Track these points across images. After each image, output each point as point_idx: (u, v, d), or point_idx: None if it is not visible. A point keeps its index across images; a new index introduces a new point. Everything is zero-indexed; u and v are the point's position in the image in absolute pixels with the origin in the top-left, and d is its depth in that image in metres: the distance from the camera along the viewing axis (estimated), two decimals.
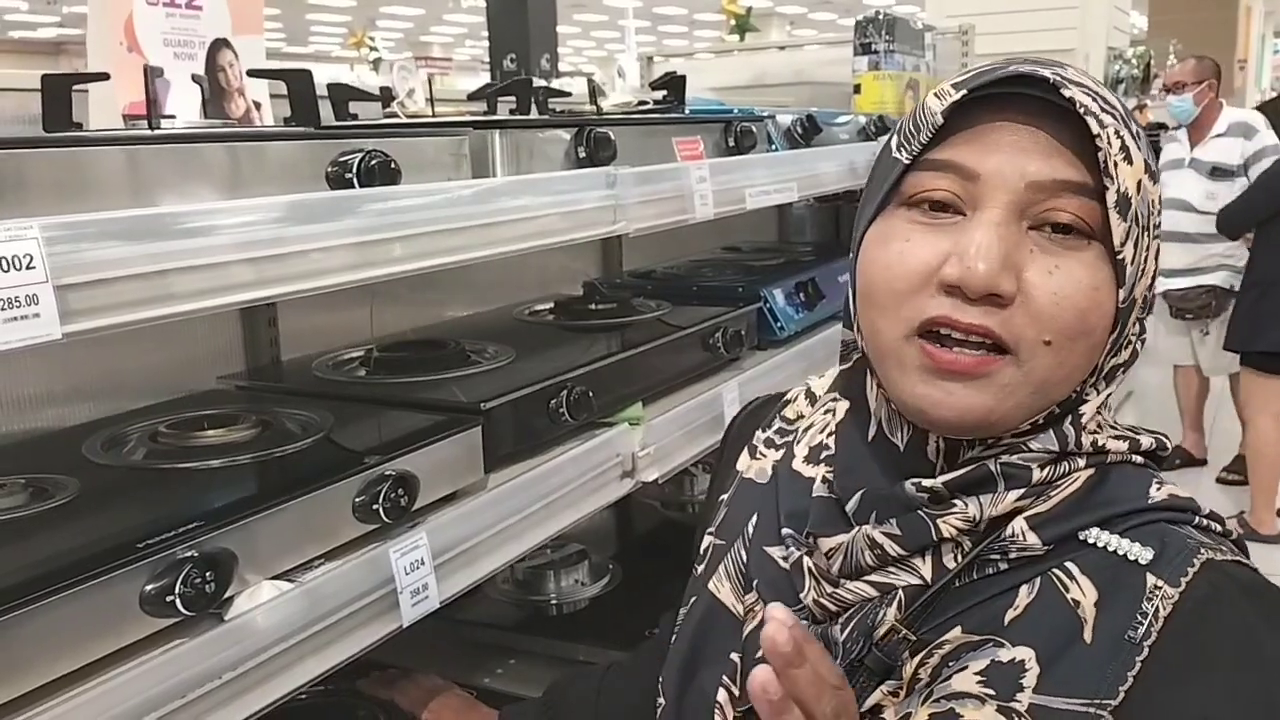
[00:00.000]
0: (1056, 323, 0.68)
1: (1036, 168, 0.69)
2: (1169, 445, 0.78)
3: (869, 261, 0.74)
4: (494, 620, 1.68)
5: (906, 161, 0.73)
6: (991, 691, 0.67)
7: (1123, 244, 0.69)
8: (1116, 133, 0.69)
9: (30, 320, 0.70)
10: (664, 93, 1.83)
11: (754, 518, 0.85)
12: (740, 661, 0.78)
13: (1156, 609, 0.66)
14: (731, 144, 1.74)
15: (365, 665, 1.24)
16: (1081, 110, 0.68)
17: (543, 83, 1.65)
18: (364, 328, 1.67)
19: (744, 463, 0.92)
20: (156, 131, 0.99)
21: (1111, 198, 0.68)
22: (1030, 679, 0.67)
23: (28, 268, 0.70)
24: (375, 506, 1.07)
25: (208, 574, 0.90)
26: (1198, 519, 0.72)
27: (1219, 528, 0.73)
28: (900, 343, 0.72)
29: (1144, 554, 0.69)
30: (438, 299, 1.88)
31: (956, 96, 0.71)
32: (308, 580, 0.97)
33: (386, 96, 1.48)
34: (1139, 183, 0.70)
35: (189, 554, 0.90)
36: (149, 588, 0.87)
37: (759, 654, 0.74)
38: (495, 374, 1.44)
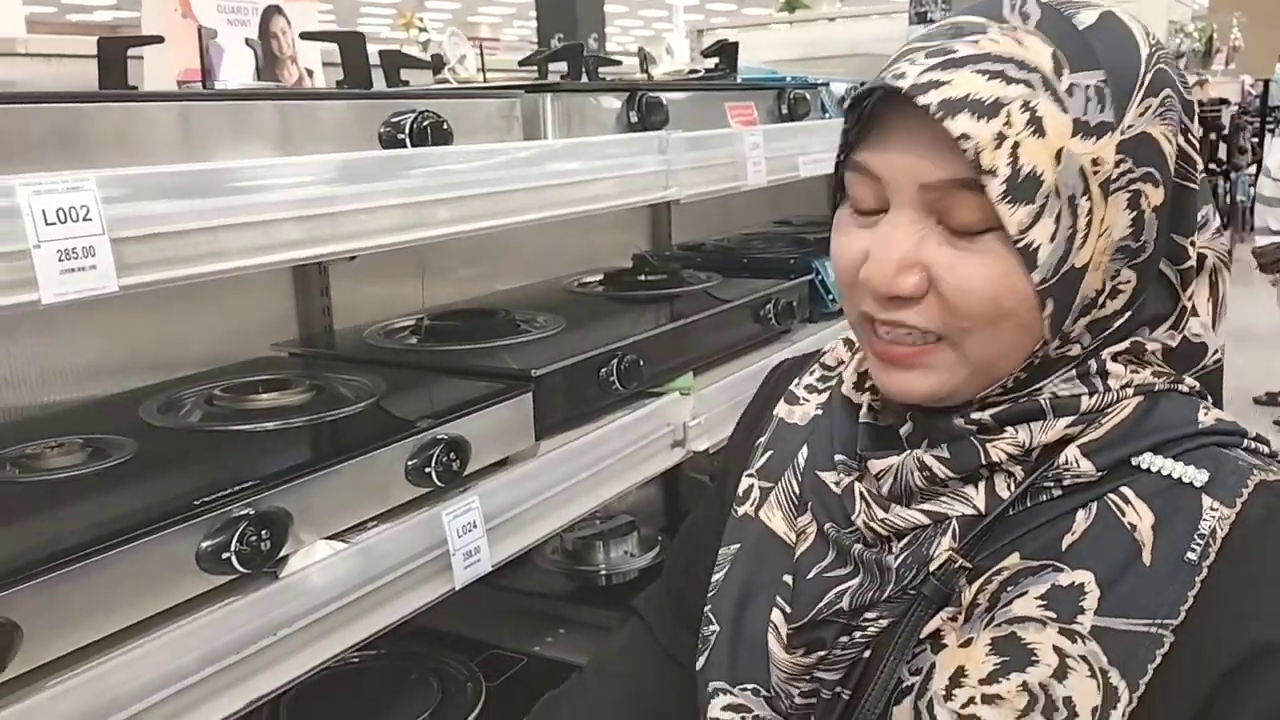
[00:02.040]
0: (966, 311, 0.69)
1: (926, 168, 0.68)
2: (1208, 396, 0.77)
3: (831, 248, 0.77)
4: (544, 589, 1.68)
5: (840, 159, 0.75)
6: (1053, 614, 0.68)
7: (1025, 229, 0.67)
8: (1025, 105, 0.66)
9: (87, 272, 0.70)
10: (716, 60, 1.80)
11: (804, 449, 0.86)
12: (793, 582, 0.80)
13: (1214, 530, 0.67)
14: (784, 112, 1.71)
15: None
16: (938, 116, 0.66)
17: (595, 48, 1.63)
18: (415, 299, 1.67)
19: (783, 409, 0.92)
20: (211, 90, 0.99)
21: (996, 190, 0.66)
22: (1091, 601, 0.68)
23: (85, 219, 0.70)
24: (428, 470, 1.07)
25: (263, 532, 0.91)
26: (1246, 441, 0.73)
27: (1266, 449, 0.74)
28: (860, 325, 0.75)
29: (1199, 476, 0.69)
30: (487, 272, 1.88)
31: (850, 99, 0.73)
32: (361, 540, 0.97)
33: (437, 64, 1.48)
34: (1059, 152, 0.67)
35: (244, 512, 0.90)
36: (205, 545, 0.88)
37: (810, 574, 0.79)
38: (545, 342, 1.43)
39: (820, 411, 0.89)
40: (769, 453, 0.90)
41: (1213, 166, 7.55)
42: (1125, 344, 0.74)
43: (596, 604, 1.64)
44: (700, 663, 0.85)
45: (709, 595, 0.87)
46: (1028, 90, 0.67)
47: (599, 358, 1.35)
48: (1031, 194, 0.67)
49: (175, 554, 0.87)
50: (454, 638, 1.49)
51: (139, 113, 0.87)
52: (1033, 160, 0.66)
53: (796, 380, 0.94)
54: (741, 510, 0.89)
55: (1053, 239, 0.68)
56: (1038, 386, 0.73)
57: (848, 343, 0.92)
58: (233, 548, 0.89)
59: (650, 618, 1.05)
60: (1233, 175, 7.87)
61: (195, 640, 0.83)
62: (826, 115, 1.85)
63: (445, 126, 1.04)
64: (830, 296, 1.94)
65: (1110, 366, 0.73)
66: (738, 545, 0.87)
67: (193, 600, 0.87)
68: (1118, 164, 0.69)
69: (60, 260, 0.69)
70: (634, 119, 1.33)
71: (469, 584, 1.05)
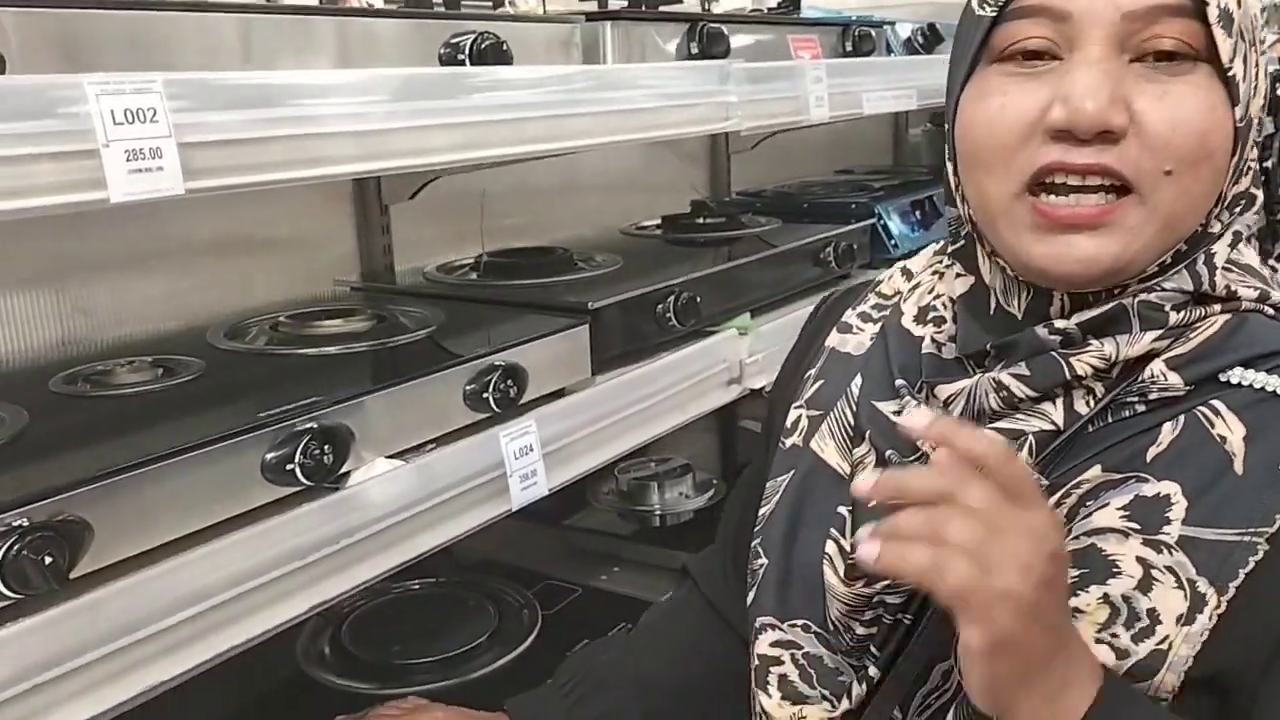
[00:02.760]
0: (1176, 149, 0.66)
1: None
2: None
3: (968, 123, 0.72)
4: (600, 528, 1.69)
5: (993, 14, 0.70)
6: (1136, 525, 0.66)
7: (1231, 59, 0.66)
8: None
9: (155, 174, 0.72)
10: None
11: (858, 379, 0.84)
12: (850, 515, 0.78)
13: None
14: (848, 49, 1.68)
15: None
16: None
17: None
18: (473, 243, 1.68)
19: (835, 339, 0.90)
20: (273, 3, 1.00)
21: (1214, 13, 0.65)
22: (1178, 511, 0.66)
23: (151, 121, 0.71)
24: (485, 395, 1.08)
25: (325, 447, 0.92)
26: None
27: None
28: (1011, 201, 0.70)
29: None
30: (545, 218, 1.88)
31: None
32: (421, 459, 0.98)
33: None
34: None
35: (308, 426, 0.92)
36: (270, 456, 0.90)
37: (870, 504, 0.72)
38: (603, 279, 1.43)
39: (873, 342, 0.86)
40: (820, 383, 0.88)
41: None
42: (1230, 234, 0.72)
43: (651, 543, 1.65)
44: (750, 597, 0.84)
45: (755, 530, 0.86)
46: None
47: (656, 294, 1.35)
48: (1229, 26, 0.66)
49: (241, 464, 0.88)
50: (511, 569, 1.51)
51: (206, 22, 0.88)
52: None
53: (850, 309, 0.91)
54: (790, 442, 0.87)
55: (1244, 78, 0.67)
56: (1126, 290, 0.70)
57: (905, 272, 0.89)
58: (297, 460, 0.90)
59: (701, 578, 1.05)
60: None
61: (261, 545, 0.85)
62: (891, 54, 1.82)
63: (505, 48, 1.04)
64: (893, 242, 1.91)
65: (1219, 260, 0.71)
66: (785, 477, 0.85)
67: (258, 510, 0.89)
68: (1262, 28, 0.70)
69: (128, 160, 0.70)
70: (695, 50, 1.32)
71: (526, 507, 1.06)
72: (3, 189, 0.66)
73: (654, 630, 1.08)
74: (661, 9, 1.61)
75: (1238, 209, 0.73)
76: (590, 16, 1.22)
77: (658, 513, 1.71)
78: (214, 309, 1.36)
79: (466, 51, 1.01)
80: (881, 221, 1.90)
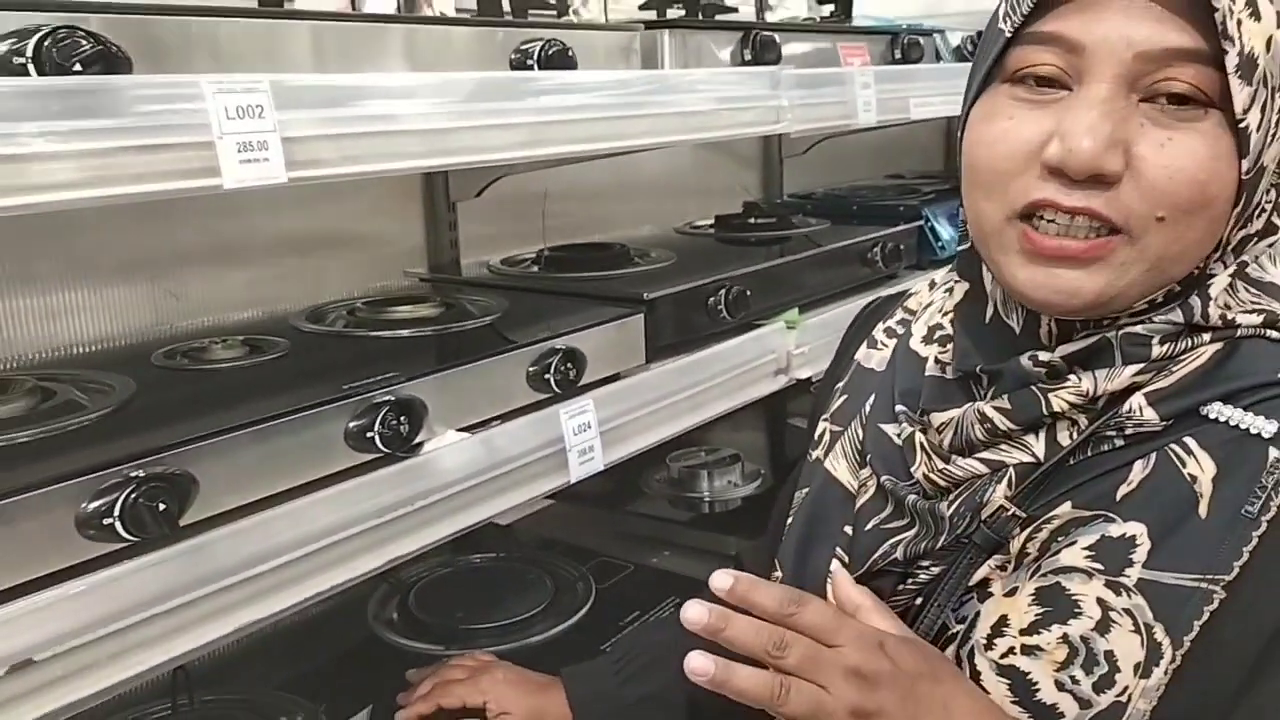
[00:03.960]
0: (1171, 197, 0.64)
1: (1145, 35, 0.64)
2: None
3: (973, 141, 0.71)
4: (652, 513, 1.77)
5: (1009, 34, 0.68)
6: (1100, 566, 0.66)
7: (1246, 110, 0.63)
8: None
9: (261, 164, 0.80)
10: (831, 7, 1.83)
11: (871, 398, 0.85)
12: (851, 533, 0.80)
13: (1277, 482, 0.64)
14: (898, 56, 1.73)
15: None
16: None
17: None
18: (533, 239, 1.77)
19: (862, 353, 0.91)
20: (360, 12, 1.09)
21: (1232, 61, 0.63)
22: (1140, 554, 0.66)
23: (259, 117, 0.80)
24: (546, 376, 1.16)
25: (402, 418, 1.00)
26: None
27: None
28: (1003, 224, 0.69)
29: (1267, 427, 0.65)
30: (603, 217, 1.96)
31: None
32: (487, 432, 1.06)
33: (562, 6, 1.55)
34: (1269, 39, 0.64)
35: (387, 398, 1.00)
36: (352, 424, 0.98)
37: (868, 526, 0.78)
38: (658, 272, 1.51)
39: (891, 359, 0.86)
40: (844, 397, 0.90)
41: None
42: (1234, 265, 0.70)
43: (700, 528, 1.72)
44: None
45: (781, 539, 0.88)
46: None
47: (708, 287, 1.42)
48: (1250, 75, 0.63)
49: (326, 432, 0.97)
50: (568, 548, 1.59)
51: (301, 29, 0.97)
52: (1252, 41, 0.63)
53: (880, 323, 0.92)
54: (814, 455, 0.89)
55: (1259, 128, 0.64)
56: (1116, 322, 0.69)
57: (931, 284, 0.90)
58: (376, 429, 0.99)
59: (753, 568, 1.10)
60: None
61: (342, 504, 0.93)
62: (940, 61, 1.87)
63: (570, 54, 1.12)
64: (940, 244, 1.96)
65: (1215, 294, 0.69)
66: (806, 490, 0.87)
67: (340, 473, 0.97)
68: None
69: (239, 151, 0.79)
70: (748, 57, 1.39)
71: (582, 493, 1.12)
72: (132, 175, 0.75)
73: None
74: (717, 18, 1.68)
75: (1248, 247, 0.71)
76: (649, 25, 1.30)
77: (707, 500, 1.77)
78: (292, 297, 1.46)
79: (535, 57, 1.09)
80: (929, 224, 1.94)
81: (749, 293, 1.45)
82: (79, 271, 1.26)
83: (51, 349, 1.24)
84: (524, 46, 1.11)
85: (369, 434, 0.98)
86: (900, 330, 0.88)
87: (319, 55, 1.03)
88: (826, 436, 0.88)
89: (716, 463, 1.82)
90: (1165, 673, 0.64)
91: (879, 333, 0.91)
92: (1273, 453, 0.65)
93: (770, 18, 1.79)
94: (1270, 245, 0.72)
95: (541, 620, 1.35)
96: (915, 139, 2.70)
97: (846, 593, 0.71)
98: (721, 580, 0.68)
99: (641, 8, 1.59)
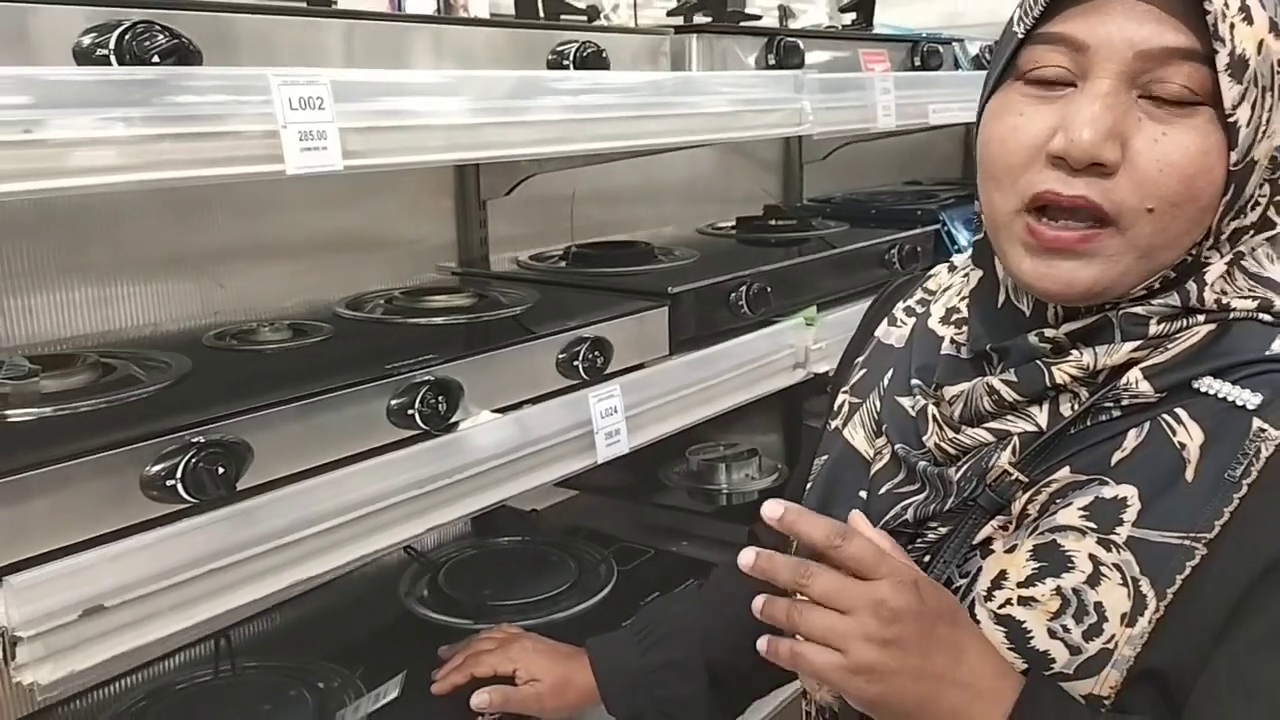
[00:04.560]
0: (1160, 189, 0.69)
1: (1145, 36, 0.69)
2: None
3: (986, 136, 0.76)
4: (672, 503, 1.82)
5: (1021, 35, 0.74)
6: (1093, 525, 0.72)
7: (1235, 106, 0.69)
8: None
9: (320, 152, 0.86)
10: (853, 15, 1.89)
11: (889, 372, 0.91)
12: (866, 496, 0.86)
13: (1258, 450, 0.69)
14: (917, 64, 1.79)
15: None
16: None
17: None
18: (560, 238, 1.83)
19: (882, 330, 0.96)
20: (405, 12, 1.15)
21: (1223, 61, 0.68)
22: (1131, 514, 0.71)
23: (319, 109, 0.86)
24: (575, 363, 1.21)
25: (440, 397, 1.06)
26: None
27: None
28: (1011, 216, 0.74)
29: (1252, 399, 0.70)
30: (628, 217, 2.02)
31: None
32: (520, 412, 1.12)
33: (593, 12, 1.61)
34: (1260, 42, 0.69)
35: (426, 378, 1.06)
36: (393, 402, 1.04)
37: (882, 490, 0.83)
38: (681, 269, 1.57)
39: (910, 336, 0.91)
40: (863, 371, 0.95)
41: None
42: (1230, 255, 0.75)
43: (718, 519, 1.77)
44: None
45: (801, 504, 0.94)
46: None
47: (730, 283, 1.47)
48: (1241, 74, 0.69)
49: (369, 408, 1.03)
50: (590, 532, 1.65)
51: (350, 27, 1.04)
52: (1244, 43, 0.68)
53: (900, 302, 0.97)
54: (833, 424, 0.94)
55: (1248, 124, 0.69)
56: (1125, 302, 0.74)
57: (951, 268, 0.95)
58: (416, 407, 1.04)
59: (765, 540, 1.15)
60: None
61: (384, 474, 0.99)
62: (959, 70, 1.92)
63: (604, 55, 1.18)
64: (956, 247, 2.00)
65: (1211, 279, 0.73)
66: (825, 457, 0.93)
67: (382, 448, 1.03)
68: None
69: (300, 140, 0.85)
70: (772, 61, 1.44)
71: (605, 485, 1.16)
72: (204, 159, 0.81)
73: (719, 588, 1.18)
74: (743, 24, 1.74)
75: (1243, 239, 0.75)
76: (678, 29, 1.36)
77: (725, 491, 1.83)
78: (331, 287, 1.52)
79: (570, 58, 1.15)
80: (945, 228, 1.99)
81: (769, 290, 1.50)
82: (130, 262, 1.33)
83: (104, 334, 1.31)
84: (560, 48, 1.17)
85: (409, 411, 1.04)
86: (920, 309, 0.93)
87: (366, 52, 1.09)
88: (845, 408, 0.94)
89: (735, 457, 1.87)
90: (1149, 623, 0.69)
91: (899, 311, 0.95)
92: (1256, 423, 0.70)
93: (792, 25, 1.84)
94: (1269, 240, 0.77)
95: (566, 599, 1.41)
96: (934, 145, 2.74)
97: (869, 536, 0.75)
98: (772, 509, 0.74)
99: (670, 14, 1.65)
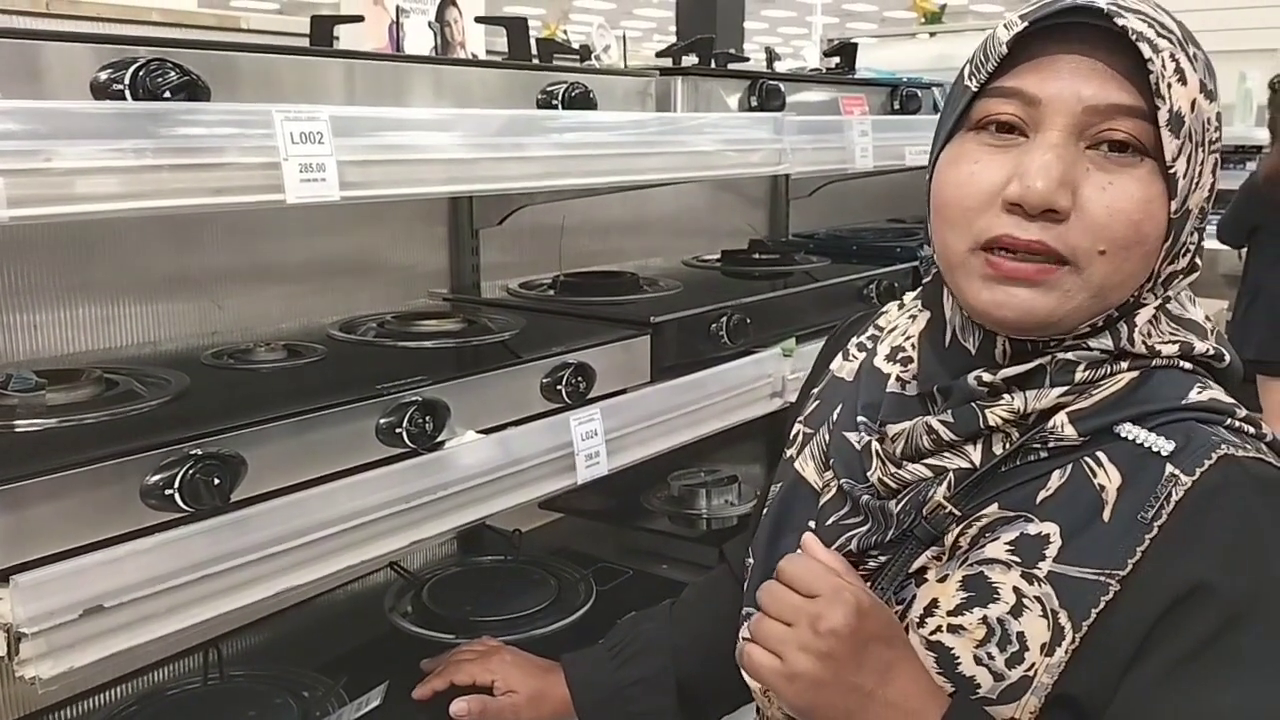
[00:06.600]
0: (1110, 233, 0.74)
1: (1092, 92, 0.74)
2: (1227, 356, 0.82)
3: (943, 181, 0.80)
4: (652, 527, 1.86)
5: (975, 89, 0.78)
6: (1018, 559, 0.77)
7: (1174, 159, 0.74)
8: (1172, 55, 0.74)
9: (319, 183, 0.92)
10: (836, 60, 1.96)
11: (839, 407, 0.96)
12: (814, 526, 0.90)
13: (1169, 494, 0.74)
14: (896, 107, 1.85)
15: None
16: (1134, 37, 0.73)
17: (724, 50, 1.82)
18: (550, 268, 1.88)
19: (837, 364, 1.01)
20: (403, 54, 1.21)
21: (1163, 117, 0.73)
22: (1052, 550, 0.76)
23: (319, 142, 0.92)
24: (558, 387, 1.26)
25: (427, 417, 1.11)
26: (1231, 420, 0.78)
27: (1253, 430, 0.78)
28: (967, 255, 0.78)
29: (1166, 446, 0.75)
30: (616, 248, 2.08)
31: (1021, 28, 0.77)
32: (503, 433, 1.17)
33: (584, 53, 1.68)
34: (1193, 102, 0.75)
35: (414, 399, 1.11)
36: (382, 421, 1.09)
37: (828, 521, 0.89)
38: (664, 299, 1.62)
39: (859, 370, 0.96)
40: (817, 403, 1.00)
41: None
42: (1160, 299, 0.80)
43: (698, 543, 1.81)
44: (744, 591, 0.98)
45: (755, 532, 0.99)
46: (1170, 45, 0.75)
47: (711, 314, 1.53)
48: (1178, 130, 0.74)
49: (359, 426, 1.08)
50: (571, 554, 1.69)
51: (350, 67, 1.10)
52: (1179, 102, 0.74)
53: (856, 335, 1.02)
54: (788, 453, 0.99)
55: (1185, 175, 0.75)
56: (1062, 344, 0.79)
57: (900, 305, 1.00)
58: (404, 426, 1.09)
59: (733, 561, 1.19)
60: None
61: (373, 489, 1.04)
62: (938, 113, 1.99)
63: (591, 96, 1.24)
64: None
65: (1141, 324, 0.79)
66: (779, 485, 0.98)
67: (371, 464, 1.08)
68: (1216, 130, 0.78)
69: (300, 172, 0.91)
70: (754, 104, 1.51)
71: (586, 509, 1.20)
72: (210, 188, 0.87)
73: (690, 605, 1.23)
74: (728, 67, 1.81)
75: (1174, 283, 0.81)
76: (664, 71, 1.42)
77: (704, 516, 1.87)
78: (326, 310, 1.58)
79: (559, 97, 1.21)
80: (923, 265, 2.06)
81: (749, 321, 1.56)
82: (132, 282, 1.38)
83: (107, 350, 1.36)
84: (549, 88, 1.23)
85: (397, 430, 1.09)
86: (870, 345, 0.98)
87: (365, 90, 1.15)
88: (800, 438, 0.99)
89: (715, 482, 1.92)
90: (1066, 652, 0.74)
91: (852, 346, 1.01)
92: (1168, 468, 0.75)
93: (780, 67, 1.91)
94: (1189, 281, 0.83)
95: (545, 616, 1.45)
96: (916, 185, 2.73)
97: (822, 558, 0.81)
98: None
99: (659, 55, 1.72)
